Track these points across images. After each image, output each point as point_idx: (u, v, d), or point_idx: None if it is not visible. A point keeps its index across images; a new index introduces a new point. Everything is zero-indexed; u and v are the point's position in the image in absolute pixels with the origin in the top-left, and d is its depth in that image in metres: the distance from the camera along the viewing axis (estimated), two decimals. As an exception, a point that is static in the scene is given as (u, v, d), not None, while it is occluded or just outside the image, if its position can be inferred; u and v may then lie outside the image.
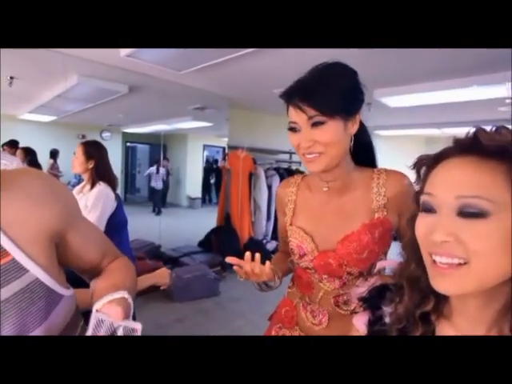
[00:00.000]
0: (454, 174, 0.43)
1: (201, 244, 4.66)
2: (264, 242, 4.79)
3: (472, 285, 0.42)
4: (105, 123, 6.77)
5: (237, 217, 4.60)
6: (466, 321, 0.47)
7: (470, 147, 0.43)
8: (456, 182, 0.42)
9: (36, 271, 0.51)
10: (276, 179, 4.79)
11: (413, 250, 0.49)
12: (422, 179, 0.48)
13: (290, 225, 0.93)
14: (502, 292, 0.42)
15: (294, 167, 5.38)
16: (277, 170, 5.01)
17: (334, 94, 0.76)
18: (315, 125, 0.77)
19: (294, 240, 0.91)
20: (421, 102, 3.60)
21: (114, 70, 3.07)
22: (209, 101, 4.38)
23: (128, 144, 8.00)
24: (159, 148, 6.65)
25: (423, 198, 0.46)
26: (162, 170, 6.60)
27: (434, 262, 0.43)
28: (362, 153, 0.88)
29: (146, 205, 7.32)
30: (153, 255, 4.02)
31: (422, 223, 0.46)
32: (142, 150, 8.35)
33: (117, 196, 1.98)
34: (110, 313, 0.52)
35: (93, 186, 1.92)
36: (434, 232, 0.43)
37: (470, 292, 0.43)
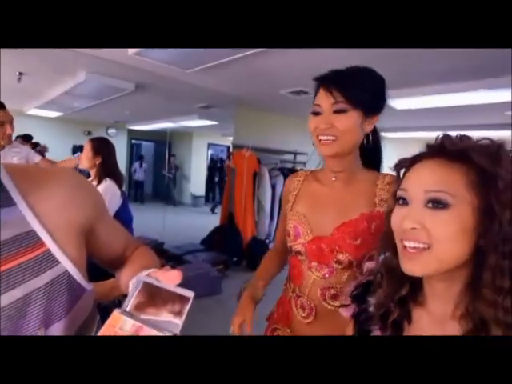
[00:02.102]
0: (423, 172, 0.52)
1: (203, 242, 4.68)
2: (267, 241, 4.78)
3: (433, 266, 0.50)
4: (111, 120, 6.81)
5: (240, 216, 4.60)
6: (435, 302, 0.55)
7: (438, 151, 0.52)
8: (425, 179, 0.51)
9: (66, 264, 0.53)
10: (280, 179, 4.78)
11: (389, 241, 0.57)
12: (402, 178, 0.57)
13: (291, 210, 0.98)
14: (461, 275, 0.51)
15: (298, 167, 5.38)
16: (281, 170, 4.99)
17: (362, 88, 0.84)
18: (337, 112, 0.83)
19: (291, 222, 0.96)
20: (427, 104, 3.58)
21: (121, 68, 3.09)
22: (215, 100, 4.39)
23: (133, 141, 8.05)
24: (164, 145, 6.67)
25: (399, 192, 0.54)
26: (144, 165, 7.85)
27: (405, 247, 0.51)
28: (370, 156, 0.95)
29: (150, 201, 7.36)
30: (156, 252, 4.02)
31: (397, 214, 0.54)
32: (147, 147, 8.37)
33: (122, 193, 2.00)
34: (160, 277, 0.50)
35: (99, 182, 1.93)
36: (405, 220, 0.51)
37: (432, 272, 0.51)
